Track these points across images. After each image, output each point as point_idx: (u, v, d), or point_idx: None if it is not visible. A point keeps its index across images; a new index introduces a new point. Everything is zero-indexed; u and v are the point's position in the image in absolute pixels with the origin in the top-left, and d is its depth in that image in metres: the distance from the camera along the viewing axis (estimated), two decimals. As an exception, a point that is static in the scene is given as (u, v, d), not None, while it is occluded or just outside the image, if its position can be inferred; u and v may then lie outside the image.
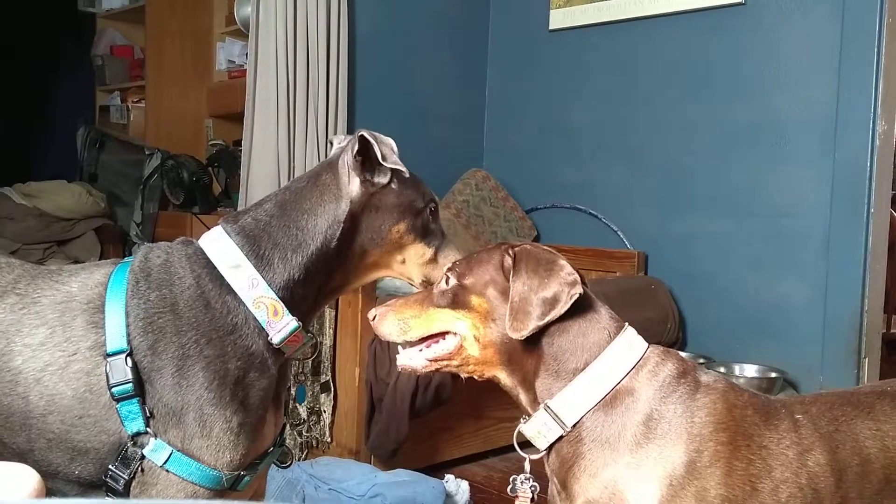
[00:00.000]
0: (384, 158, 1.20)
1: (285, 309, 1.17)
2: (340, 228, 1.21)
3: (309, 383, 2.54)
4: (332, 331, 2.51)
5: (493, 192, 3.72)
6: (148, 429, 1.09)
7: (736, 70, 3.17)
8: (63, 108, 5.47)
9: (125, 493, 1.09)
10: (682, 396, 1.07)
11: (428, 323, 1.17)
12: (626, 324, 1.16)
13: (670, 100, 3.37)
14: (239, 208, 3.26)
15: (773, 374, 2.87)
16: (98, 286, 1.16)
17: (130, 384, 1.08)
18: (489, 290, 1.14)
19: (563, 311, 1.10)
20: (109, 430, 1.10)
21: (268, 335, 1.16)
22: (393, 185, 1.24)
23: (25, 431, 1.11)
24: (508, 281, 1.12)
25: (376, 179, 1.23)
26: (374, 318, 1.21)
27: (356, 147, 1.21)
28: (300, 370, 2.53)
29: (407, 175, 1.24)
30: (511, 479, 1.20)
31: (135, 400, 1.08)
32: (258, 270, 1.17)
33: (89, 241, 3.62)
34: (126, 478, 1.09)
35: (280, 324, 1.17)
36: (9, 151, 5.66)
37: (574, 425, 1.09)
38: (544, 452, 1.14)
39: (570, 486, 1.09)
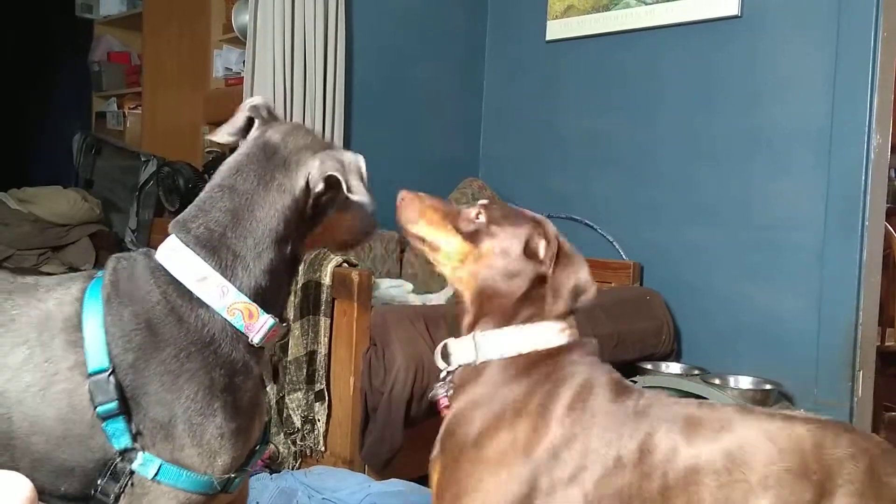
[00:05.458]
0: (350, 190, 1.19)
1: (259, 309, 1.18)
2: (294, 237, 1.22)
3: (302, 392, 2.53)
4: (326, 339, 2.50)
5: (489, 202, 3.72)
6: (135, 444, 1.10)
7: (732, 82, 3.18)
8: (59, 113, 5.47)
9: None
10: (560, 372, 1.31)
11: (436, 234, 1.38)
12: (571, 318, 1.38)
13: (666, 111, 3.38)
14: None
15: (768, 387, 2.87)
16: (74, 303, 1.15)
17: (115, 402, 1.08)
18: (504, 246, 1.35)
19: (589, 300, 1.34)
20: (94, 448, 1.10)
21: (247, 338, 1.18)
22: (346, 211, 1.27)
23: (9, 451, 1.11)
24: (526, 254, 1.35)
25: (324, 199, 1.23)
26: (402, 200, 1.39)
27: (321, 184, 1.20)
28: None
29: (366, 202, 1.23)
30: (434, 385, 1.41)
31: (120, 417, 1.09)
32: (225, 278, 1.17)
33: (84, 248, 3.61)
34: (116, 493, 1.10)
35: (258, 324, 1.18)
36: (4, 156, 5.66)
37: (483, 361, 1.33)
38: (454, 368, 1.37)
39: (453, 400, 1.35)
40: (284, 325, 1.25)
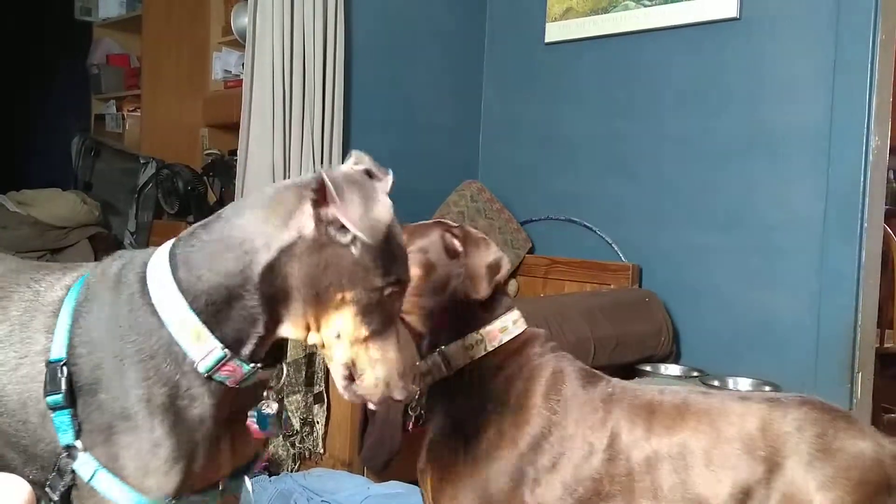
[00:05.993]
0: (335, 194, 0.98)
1: (209, 334, 1.03)
2: (271, 260, 1.01)
3: (301, 394, 2.53)
4: (325, 341, 2.50)
5: (487, 204, 3.72)
6: (77, 442, 1.05)
7: (730, 84, 3.19)
8: (58, 116, 5.47)
9: (62, 503, 1.07)
10: (530, 364, 1.36)
11: None
12: (515, 307, 1.42)
13: (665, 113, 3.38)
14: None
15: (767, 388, 2.87)
16: (63, 289, 1.13)
17: (61, 395, 1.04)
18: (425, 259, 1.37)
19: (506, 275, 1.38)
20: (46, 440, 1.08)
21: (193, 363, 1.03)
22: (354, 249, 1.02)
23: None
24: (448, 256, 1.37)
25: (338, 236, 1.02)
26: None
27: (315, 187, 1.01)
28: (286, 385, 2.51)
29: (379, 242, 1.01)
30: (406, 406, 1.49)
31: (66, 411, 1.05)
32: (181, 287, 1.03)
33: (83, 250, 3.62)
34: (61, 490, 1.06)
35: (203, 349, 1.03)
36: (3, 159, 5.66)
37: (456, 371, 1.37)
38: (427, 385, 1.40)
39: (433, 414, 1.40)
40: (252, 366, 1.07)
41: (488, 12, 4.04)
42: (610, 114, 3.56)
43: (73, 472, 1.05)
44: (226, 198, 3.67)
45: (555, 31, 3.72)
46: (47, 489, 1.07)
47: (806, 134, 2.98)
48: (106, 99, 4.70)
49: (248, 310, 1.04)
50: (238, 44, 3.69)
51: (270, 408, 1.14)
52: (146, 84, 4.21)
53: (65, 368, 1.05)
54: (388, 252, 1.04)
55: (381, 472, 2.40)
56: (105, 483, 1.04)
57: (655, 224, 3.40)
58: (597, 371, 1.42)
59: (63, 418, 1.05)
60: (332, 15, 3.28)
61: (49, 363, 1.06)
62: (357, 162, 1.13)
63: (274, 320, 1.06)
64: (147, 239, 3.77)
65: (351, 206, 0.97)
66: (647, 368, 3.03)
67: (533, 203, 3.82)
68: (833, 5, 2.90)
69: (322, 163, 3.30)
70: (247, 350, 1.06)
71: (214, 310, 1.04)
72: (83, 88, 4.82)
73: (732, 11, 3.13)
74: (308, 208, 1.01)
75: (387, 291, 1.05)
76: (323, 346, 1.08)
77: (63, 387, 1.04)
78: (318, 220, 1.01)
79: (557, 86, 3.75)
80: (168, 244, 1.10)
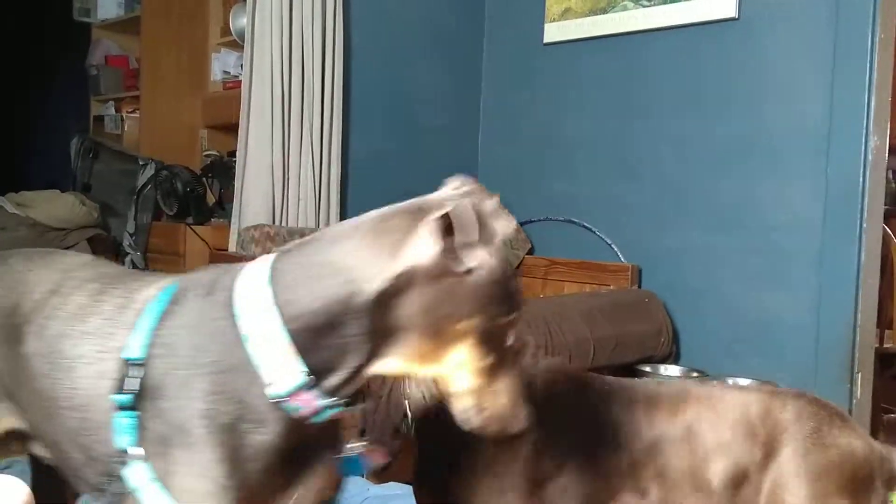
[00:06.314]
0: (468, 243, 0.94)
1: (297, 357, 0.96)
2: (380, 289, 0.95)
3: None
4: (325, 342, 2.49)
5: (487, 205, 3.72)
6: (135, 448, 0.99)
7: (729, 84, 3.18)
8: (57, 117, 5.47)
9: None
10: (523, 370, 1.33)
11: None
12: None
13: (664, 113, 3.38)
14: (232, 220, 3.26)
15: (767, 389, 2.87)
16: (156, 290, 1.09)
17: (130, 396, 0.99)
18: None
19: None
20: (107, 441, 1.02)
21: (266, 385, 0.97)
22: (475, 277, 0.97)
23: (56, 419, 1.09)
24: None
25: (457, 265, 0.96)
26: None
27: (441, 224, 0.94)
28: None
29: (501, 270, 0.98)
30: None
31: (131, 413, 1.00)
32: (276, 302, 0.96)
33: (82, 251, 3.60)
34: (110, 495, 1.01)
35: (283, 372, 0.96)
36: (2, 160, 5.66)
37: None
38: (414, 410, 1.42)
39: (424, 436, 1.40)
40: (335, 405, 0.99)
41: (487, 13, 4.03)
42: (609, 114, 3.56)
43: (123, 478, 0.99)
44: (224, 199, 3.66)
45: (553, 32, 3.72)
46: (98, 492, 1.04)
47: (805, 134, 2.98)
48: (105, 100, 4.70)
49: (345, 338, 0.97)
50: (237, 44, 3.68)
51: (352, 450, 1.08)
52: (145, 85, 4.21)
53: (138, 369, 1.00)
54: (505, 276, 1.00)
55: (381, 474, 2.39)
56: (151, 497, 0.98)
57: (655, 224, 3.40)
58: (591, 373, 1.44)
59: (125, 420, 1.00)
60: (330, 16, 3.28)
61: (124, 361, 1.02)
62: (460, 185, 1.13)
63: (373, 353, 0.98)
64: (146, 240, 3.77)
65: (478, 232, 0.95)
66: (647, 369, 3.03)
67: (532, 204, 3.81)
68: (832, 5, 2.90)
69: (321, 163, 3.29)
70: (332, 382, 0.99)
71: (308, 334, 0.96)
72: (82, 89, 4.82)
73: (731, 11, 3.13)
74: (426, 235, 0.95)
75: (503, 319, 1.00)
76: (440, 379, 1.03)
77: (133, 387, 0.99)
78: (439, 248, 0.94)
79: (556, 86, 3.75)
80: (268, 258, 1.02)
